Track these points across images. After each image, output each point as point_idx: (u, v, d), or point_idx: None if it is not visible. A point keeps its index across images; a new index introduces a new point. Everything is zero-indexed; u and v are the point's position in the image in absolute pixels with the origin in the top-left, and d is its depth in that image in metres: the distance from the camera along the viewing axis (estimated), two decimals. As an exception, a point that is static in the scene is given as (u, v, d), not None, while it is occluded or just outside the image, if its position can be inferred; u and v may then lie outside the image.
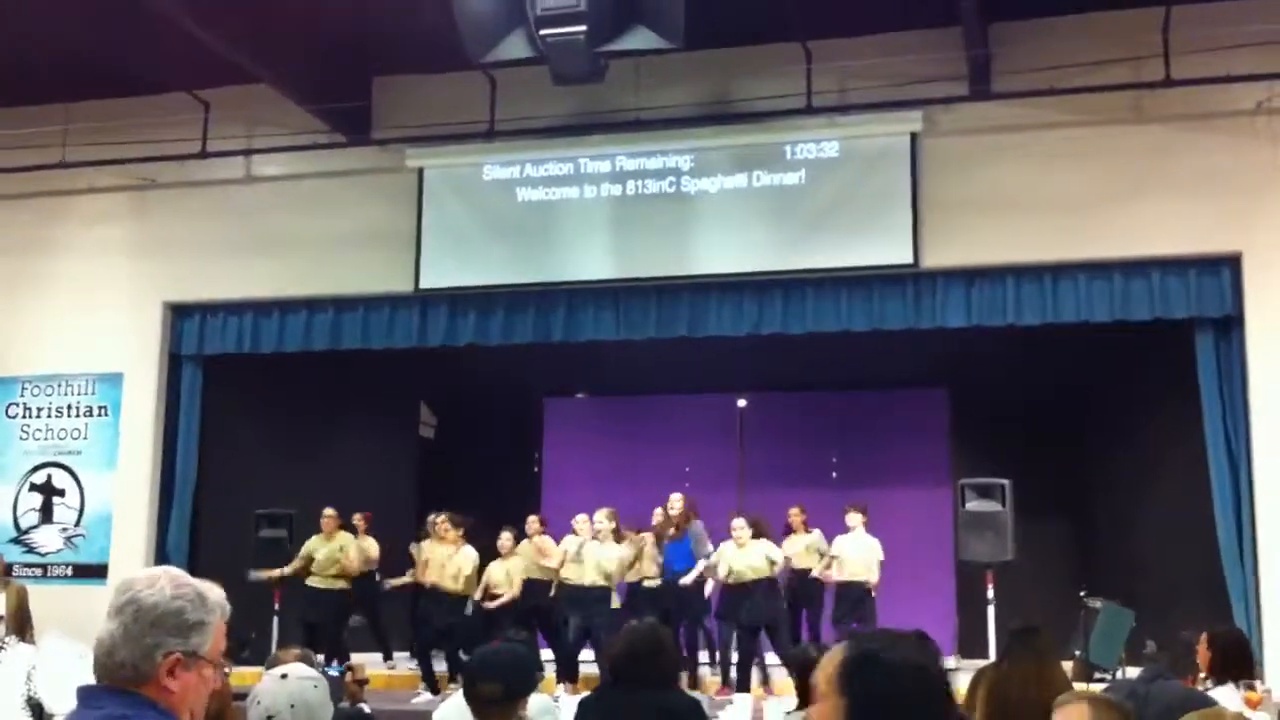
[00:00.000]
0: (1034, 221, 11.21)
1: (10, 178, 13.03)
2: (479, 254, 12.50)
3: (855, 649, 2.06)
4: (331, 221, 12.76)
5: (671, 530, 11.30)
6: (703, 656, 11.75)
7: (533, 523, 11.91)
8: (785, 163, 11.94)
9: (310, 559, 11.99)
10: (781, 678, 10.64)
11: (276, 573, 12.05)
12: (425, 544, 11.72)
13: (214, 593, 2.42)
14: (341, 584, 11.94)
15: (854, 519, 11.45)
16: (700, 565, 11.14)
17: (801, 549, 11.66)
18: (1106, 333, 11.64)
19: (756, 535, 10.96)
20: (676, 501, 11.42)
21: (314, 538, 12.09)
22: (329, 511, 12.09)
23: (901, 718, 1.98)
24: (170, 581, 2.37)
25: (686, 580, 11.08)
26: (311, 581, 11.96)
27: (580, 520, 11.26)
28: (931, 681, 2.00)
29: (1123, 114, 11.19)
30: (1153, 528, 12.26)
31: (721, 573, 10.95)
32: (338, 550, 11.96)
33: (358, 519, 12.28)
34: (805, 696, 5.09)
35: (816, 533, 11.74)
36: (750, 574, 10.80)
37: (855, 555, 11.33)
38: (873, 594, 11.26)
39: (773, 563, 10.89)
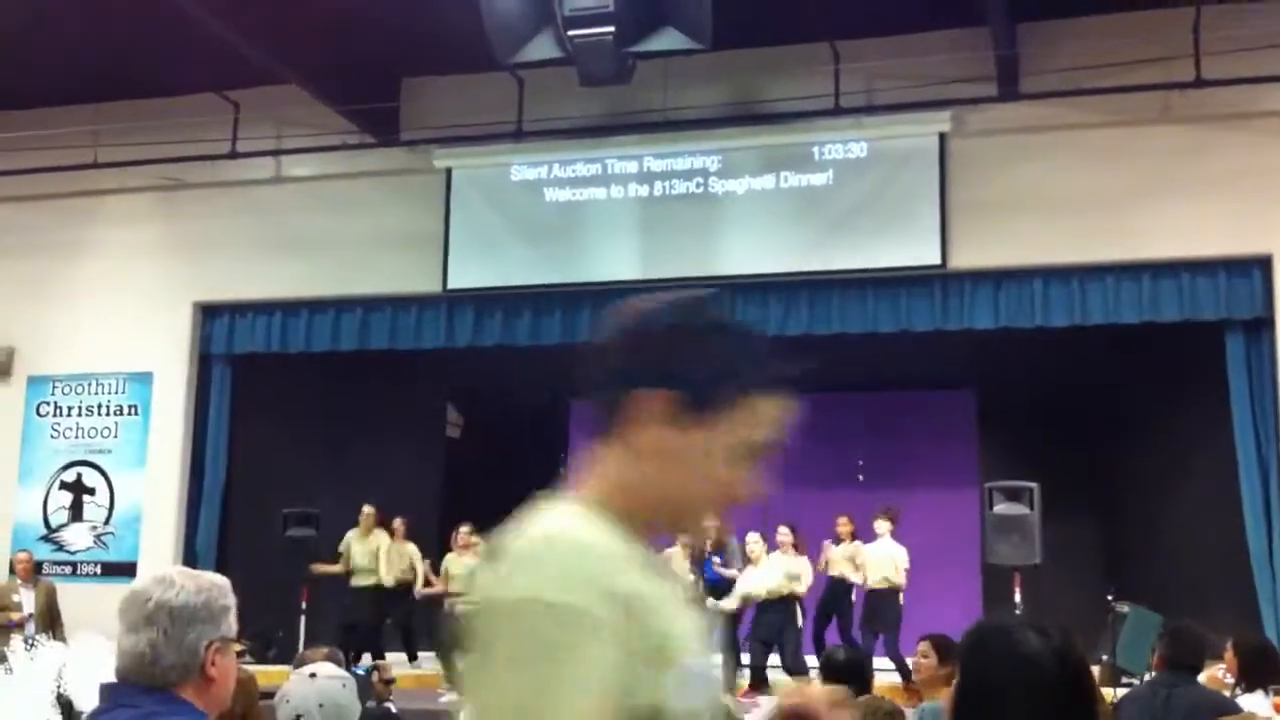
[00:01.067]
0: (1062, 222, 11.16)
1: (41, 178, 13.11)
2: (506, 255, 12.52)
3: (978, 628, 2.07)
4: (360, 222, 12.80)
5: (708, 544, 11.21)
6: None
7: None
8: (813, 163, 11.93)
9: (347, 556, 12.14)
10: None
11: (334, 568, 12.14)
12: (449, 557, 11.85)
13: (220, 578, 2.51)
14: (377, 581, 12.07)
15: (882, 526, 11.43)
16: (739, 594, 11.18)
17: (843, 558, 11.64)
18: (1135, 334, 11.57)
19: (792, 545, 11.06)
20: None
21: (351, 533, 12.17)
22: (367, 509, 12.18)
23: (1000, 701, 1.97)
24: (188, 578, 2.44)
25: (730, 605, 11.11)
26: (353, 581, 12.11)
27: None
28: (1039, 673, 1.97)
29: (1152, 114, 11.13)
30: (1181, 531, 12.17)
31: (736, 599, 11.04)
32: (374, 550, 12.08)
33: (397, 524, 12.37)
34: None
35: (857, 543, 11.70)
36: (765, 595, 10.87)
37: (880, 562, 11.31)
38: (900, 600, 11.22)
39: (794, 578, 10.89)
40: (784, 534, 11.45)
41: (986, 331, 11.63)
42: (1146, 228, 10.98)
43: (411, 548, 12.34)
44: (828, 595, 11.61)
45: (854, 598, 11.69)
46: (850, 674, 5.45)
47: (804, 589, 11.14)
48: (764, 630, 10.91)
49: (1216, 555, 11.19)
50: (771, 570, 10.93)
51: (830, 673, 5.60)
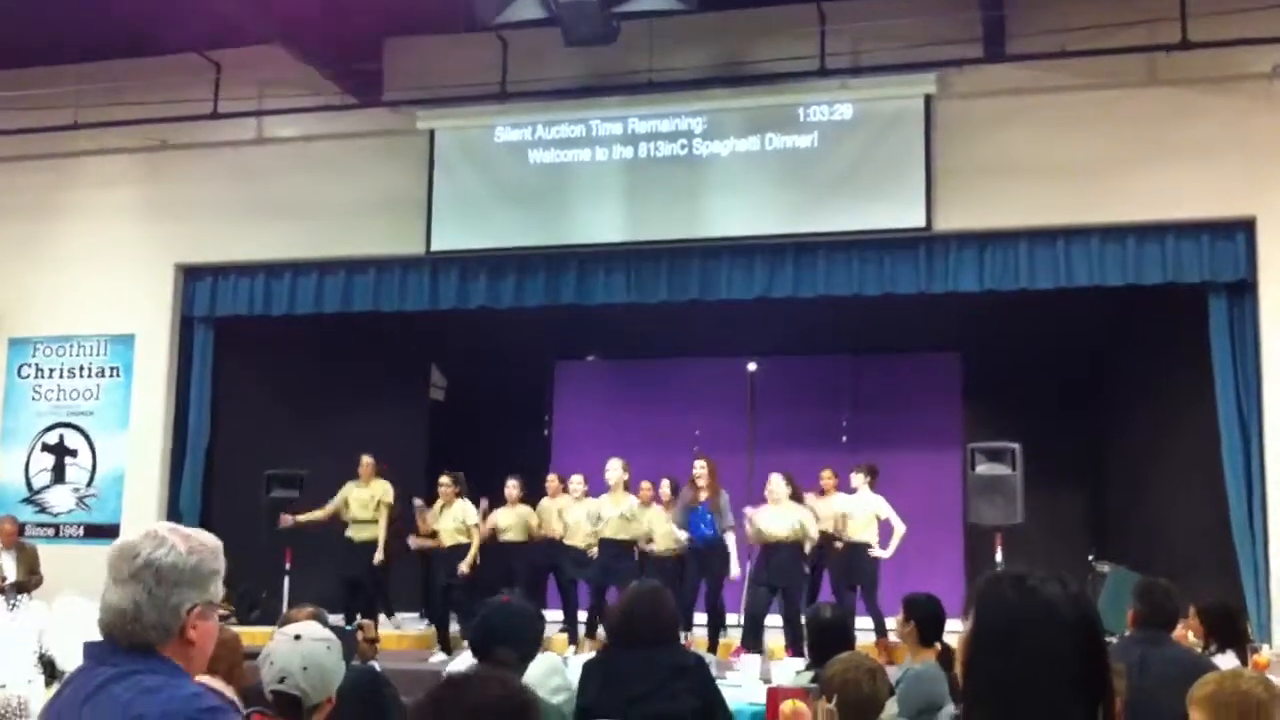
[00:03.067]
0: (1047, 185, 11.16)
1: (22, 139, 13.02)
2: (490, 217, 12.48)
3: (994, 575, 2.07)
4: (343, 183, 12.74)
5: (704, 496, 11.14)
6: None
7: (551, 481, 11.96)
8: (798, 125, 11.89)
9: (344, 505, 11.98)
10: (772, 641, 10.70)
11: (305, 517, 12.00)
12: (432, 511, 11.68)
13: (212, 539, 2.49)
14: (374, 533, 11.81)
15: (858, 479, 11.42)
16: (731, 543, 11.11)
17: (828, 511, 11.64)
18: (1119, 297, 11.60)
19: (792, 498, 10.98)
20: (702, 468, 11.23)
21: (350, 484, 12.03)
22: (367, 459, 12.05)
23: (1014, 645, 1.97)
24: (177, 537, 2.41)
25: (734, 571, 11.09)
26: (349, 533, 11.90)
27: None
28: (1056, 619, 1.98)
29: (1138, 77, 11.12)
30: (1164, 493, 12.25)
31: (749, 534, 10.94)
32: (372, 497, 11.90)
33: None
34: (820, 655, 5.12)
35: (839, 496, 11.67)
36: (782, 535, 10.77)
37: (857, 516, 11.31)
38: (873, 555, 11.18)
39: (803, 527, 10.85)
40: (827, 477, 11.63)
41: (971, 294, 11.64)
42: (1131, 190, 10.99)
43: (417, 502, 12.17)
44: (820, 550, 11.62)
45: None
46: (836, 631, 5.49)
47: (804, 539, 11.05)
48: (775, 575, 10.74)
49: (1199, 518, 11.26)
50: (789, 513, 10.87)
51: (817, 629, 5.64)
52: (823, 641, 5.41)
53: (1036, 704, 1.95)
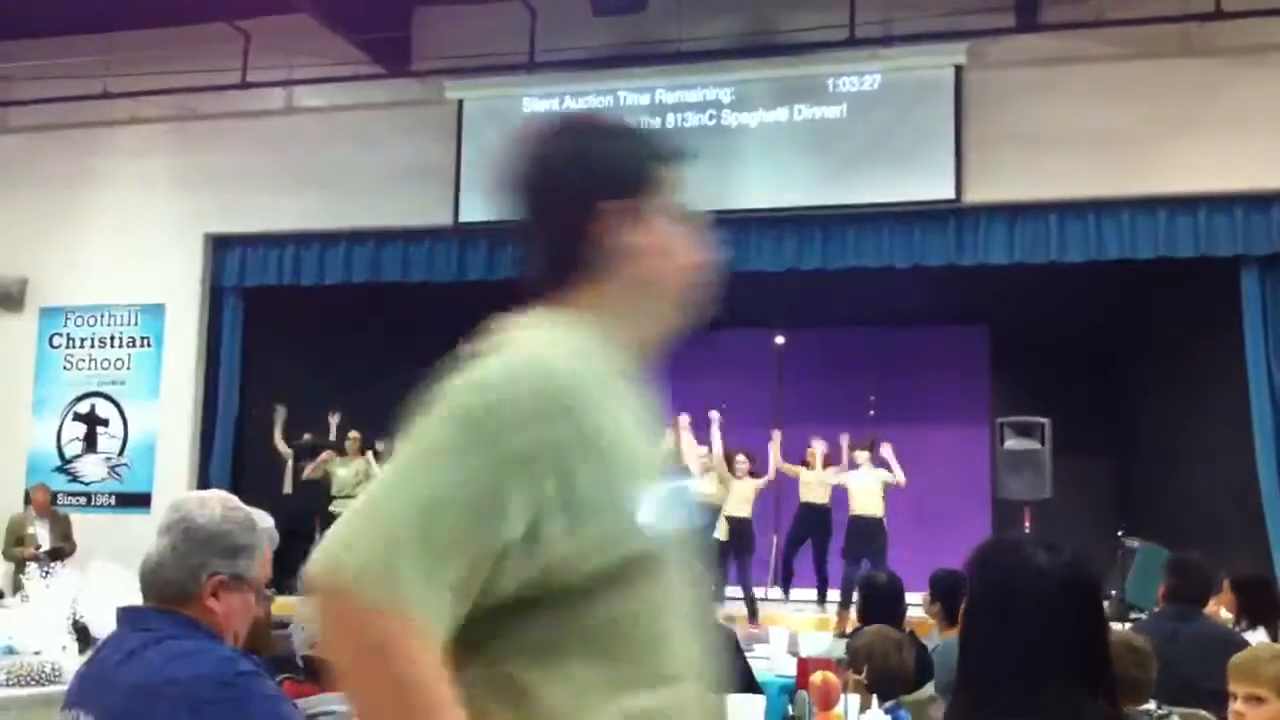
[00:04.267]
0: (1078, 157, 11.06)
1: (53, 109, 13.07)
2: (518, 187, 12.43)
3: (986, 543, 2.06)
4: (371, 153, 12.74)
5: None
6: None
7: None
8: (827, 96, 11.82)
9: (329, 478, 12.18)
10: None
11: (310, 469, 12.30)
12: None
13: (264, 520, 2.47)
14: None
15: (860, 456, 11.51)
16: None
17: (815, 483, 11.74)
18: (1150, 270, 11.51)
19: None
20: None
21: (337, 458, 12.25)
22: (354, 434, 12.22)
23: (1006, 614, 1.95)
24: (221, 504, 2.42)
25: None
26: (333, 507, 12.03)
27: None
28: (1047, 587, 1.95)
29: (1171, 47, 11.00)
30: (1194, 468, 12.18)
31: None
32: (358, 473, 12.07)
33: (381, 446, 12.39)
34: (870, 619, 5.14)
35: (830, 469, 11.81)
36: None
37: (864, 490, 11.37)
38: (885, 528, 11.31)
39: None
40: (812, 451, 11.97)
41: (1001, 267, 11.57)
42: (1163, 162, 10.89)
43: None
44: (803, 521, 11.74)
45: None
46: (890, 597, 5.54)
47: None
48: (806, 529, 11.45)
49: (1230, 493, 11.19)
50: (824, 478, 11.38)
51: (870, 593, 5.70)
52: (875, 606, 5.45)
53: (1021, 674, 1.92)
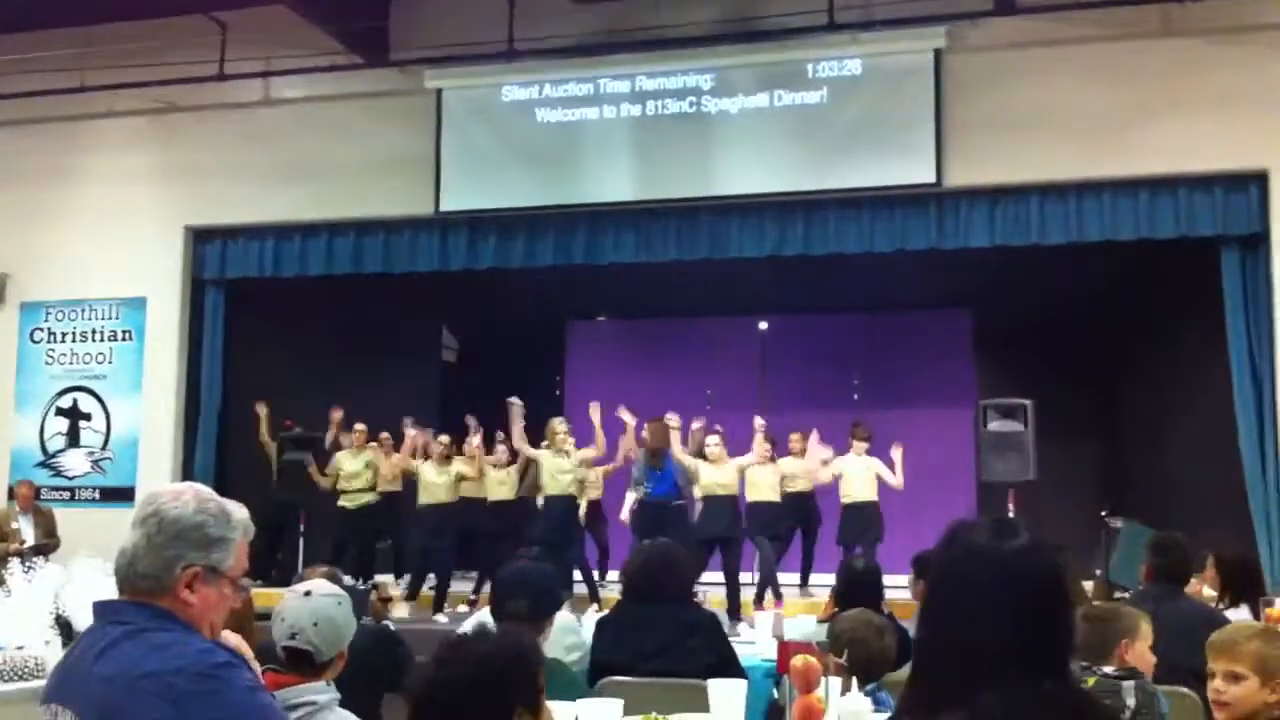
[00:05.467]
0: (1059, 139, 11.08)
1: (29, 102, 12.98)
2: (499, 176, 12.44)
3: (947, 528, 2.04)
4: (351, 144, 12.71)
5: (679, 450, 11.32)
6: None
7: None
8: (807, 81, 11.82)
9: (337, 475, 12.20)
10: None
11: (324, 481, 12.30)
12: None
13: (239, 511, 2.46)
14: (369, 499, 12.08)
15: (859, 447, 11.52)
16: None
17: (800, 471, 11.75)
18: (1132, 252, 11.54)
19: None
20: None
21: (341, 453, 12.25)
22: (359, 426, 12.25)
23: (959, 596, 1.94)
24: (195, 496, 2.41)
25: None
26: (341, 502, 12.11)
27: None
28: (994, 567, 1.93)
29: (1151, 28, 11.02)
30: (1178, 448, 12.24)
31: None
32: (364, 466, 12.12)
33: (384, 437, 12.39)
34: (846, 605, 5.15)
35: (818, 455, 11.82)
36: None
37: (859, 476, 11.39)
38: (880, 515, 11.32)
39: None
40: (795, 439, 11.97)
41: (983, 250, 11.58)
42: (1144, 143, 10.91)
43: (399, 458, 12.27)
44: (796, 508, 11.76)
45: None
46: (868, 583, 5.56)
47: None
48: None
49: (1213, 471, 11.24)
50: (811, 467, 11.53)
51: (848, 578, 5.72)
52: (852, 592, 5.47)
53: (958, 655, 1.90)
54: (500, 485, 11.76)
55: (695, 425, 11.56)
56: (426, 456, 11.71)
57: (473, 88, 12.59)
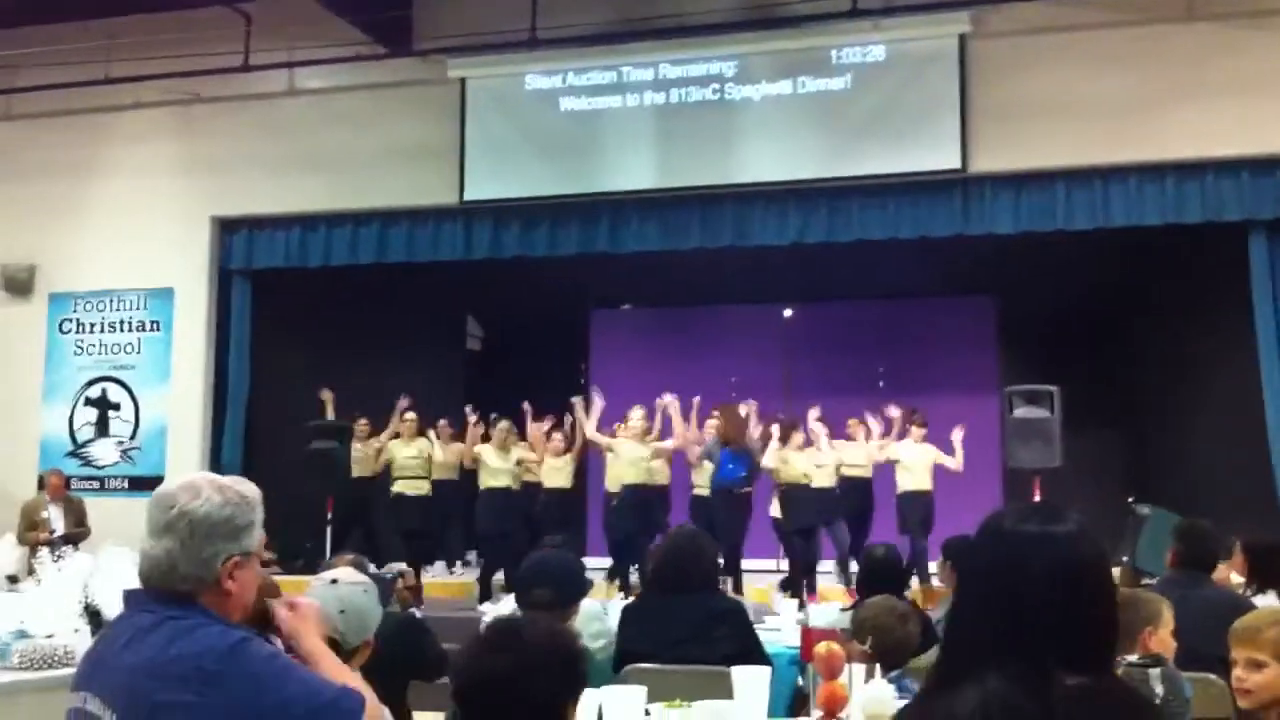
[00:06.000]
0: (1084, 124, 11.02)
1: (56, 95, 13.07)
2: (522, 165, 12.46)
3: (988, 516, 2.00)
4: (375, 134, 12.75)
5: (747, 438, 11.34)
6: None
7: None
8: (830, 68, 11.79)
9: (390, 463, 12.34)
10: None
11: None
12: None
13: (252, 490, 2.51)
14: (427, 488, 12.17)
15: (916, 433, 11.51)
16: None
17: (861, 457, 11.74)
18: (1158, 237, 11.48)
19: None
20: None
21: (393, 442, 12.34)
22: (410, 415, 12.32)
23: (983, 590, 1.90)
24: (214, 489, 2.43)
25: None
26: (397, 488, 12.21)
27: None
28: (1055, 553, 1.86)
29: (1176, 12, 10.95)
30: (1204, 434, 12.17)
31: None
32: (420, 452, 12.24)
33: (442, 424, 12.53)
34: (868, 592, 5.17)
35: (861, 445, 11.80)
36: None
37: (917, 464, 11.40)
38: (931, 501, 11.34)
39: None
40: (853, 424, 11.96)
41: (1008, 236, 11.55)
42: (1170, 128, 10.85)
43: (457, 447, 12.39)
44: (849, 494, 11.72)
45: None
46: (890, 570, 5.58)
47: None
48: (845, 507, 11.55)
49: (1240, 457, 11.18)
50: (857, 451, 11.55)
51: (870, 566, 5.74)
52: (874, 579, 5.48)
53: (977, 641, 1.86)
54: (557, 472, 11.81)
55: (743, 410, 11.49)
56: (485, 440, 11.91)
57: (496, 77, 12.60)
